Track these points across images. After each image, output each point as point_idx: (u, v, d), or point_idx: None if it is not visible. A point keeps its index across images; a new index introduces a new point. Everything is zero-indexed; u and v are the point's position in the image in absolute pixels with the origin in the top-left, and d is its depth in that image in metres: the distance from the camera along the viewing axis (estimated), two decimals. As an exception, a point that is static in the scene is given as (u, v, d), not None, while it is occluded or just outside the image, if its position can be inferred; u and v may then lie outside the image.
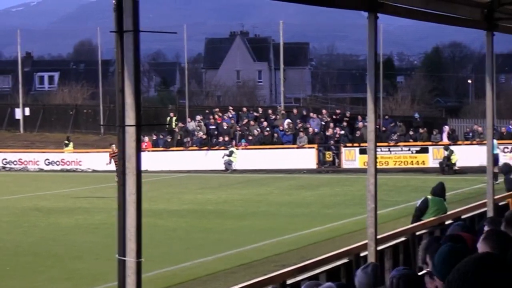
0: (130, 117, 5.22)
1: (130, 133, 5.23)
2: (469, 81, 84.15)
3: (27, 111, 56.28)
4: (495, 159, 30.31)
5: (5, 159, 45.44)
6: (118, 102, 5.31)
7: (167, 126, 45.35)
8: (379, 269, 6.21)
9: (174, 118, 47.24)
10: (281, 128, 42.76)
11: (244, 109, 47.44)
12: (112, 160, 29.26)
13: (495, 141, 33.06)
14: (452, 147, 37.20)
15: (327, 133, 41.65)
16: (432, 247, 5.05)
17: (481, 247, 4.58)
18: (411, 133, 40.90)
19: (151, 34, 6.01)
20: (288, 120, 43.46)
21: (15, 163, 45.13)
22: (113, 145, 30.72)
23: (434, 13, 10.84)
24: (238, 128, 43.61)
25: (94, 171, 42.73)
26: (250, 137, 42.61)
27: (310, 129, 42.04)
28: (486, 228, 5.76)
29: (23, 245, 18.74)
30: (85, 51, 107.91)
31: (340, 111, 47.02)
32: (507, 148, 38.56)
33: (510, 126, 40.92)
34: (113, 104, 45.15)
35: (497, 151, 31.13)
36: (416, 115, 45.64)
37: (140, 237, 5.27)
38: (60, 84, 76.64)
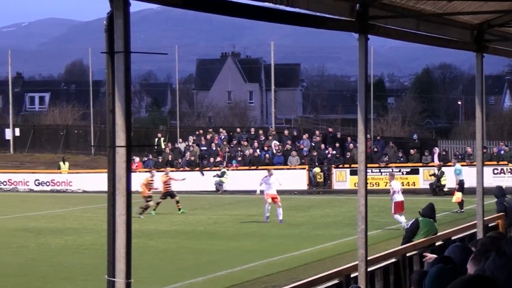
0: (120, 138, 5.22)
1: (121, 154, 5.23)
2: (459, 103, 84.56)
3: (17, 132, 56.14)
4: (461, 184, 30.58)
5: (-5, 179, 45.23)
6: (109, 122, 5.31)
7: (156, 147, 45.34)
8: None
9: (162, 139, 47.23)
10: (271, 148, 42.81)
11: (238, 129, 47.51)
12: (144, 187, 29.53)
13: (458, 165, 33.25)
14: (443, 168, 37.31)
15: (317, 153, 41.71)
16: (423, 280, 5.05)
17: (470, 267, 4.59)
18: (400, 154, 41.02)
19: (143, 55, 6.04)
20: (275, 142, 43.51)
21: (4, 183, 44.92)
22: (150, 174, 31.07)
23: (424, 35, 10.92)
24: (227, 150, 43.63)
25: (84, 191, 42.58)
26: (240, 158, 42.62)
27: (304, 148, 42.14)
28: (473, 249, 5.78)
29: (12, 266, 18.61)
30: (76, 71, 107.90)
31: (332, 130, 47.15)
32: (497, 169, 38.70)
33: (501, 148, 41.08)
34: (104, 124, 45.12)
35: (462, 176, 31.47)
36: (415, 136, 45.78)
37: (130, 257, 5.25)
38: (50, 105, 76.54)
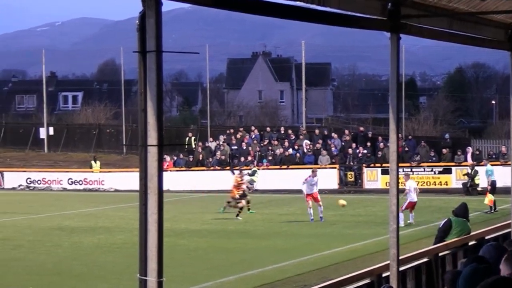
0: (152, 137, 5.24)
1: (152, 153, 5.25)
2: (493, 102, 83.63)
3: (51, 131, 56.71)
4: (493, 185, 30.22)
5: (29, 178, 45.81)
6: (141, 122, 5.34)
7: (187, 146, 45.50)
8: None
9: (193, 138, 47.39)
10: (302, 148, 42.73)
11: (268, 129, 47.53)
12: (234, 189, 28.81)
13: (489, 166, 32.90)
14: (476, 168, 36.93)
15: (348, 153, 41.57)
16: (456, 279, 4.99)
17: (503, 268, 4.54)
18: (432, 154, 40.70)
19: (174, 54, 6.06)
20: (306, 141, 43.44)
21: (39, 182, 45.46)
22: (239, 174, 29.93)
23: (458, 34, 10.81)
24: (258, 149, 43.63)
25: (116, 190, 42.91)
26: (270, 157, 42.60)
27: (333, 148, 42.02)
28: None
29: (47, 264, 18.80)
30: (108, 71, 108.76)
31: (363, 129, 46.94)
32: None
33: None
34: (136, 124, 45.44)
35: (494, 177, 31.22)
36: (447, 136, 45.39)
37: (162, 256, 5.27)
38: (83, 104, 77.25)
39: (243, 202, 28.72)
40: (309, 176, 27.47)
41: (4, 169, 48.15)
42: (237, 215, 27.92)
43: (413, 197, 25.61)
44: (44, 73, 60.53)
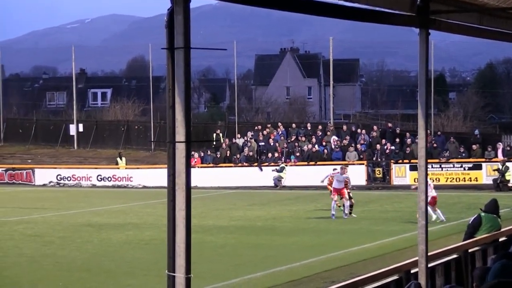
0: (180, 134, 5.26)
1: (180, 149, 5.27)
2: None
3: (81, 127, 57.19)
4: None
5: (59, 174, 46.27)
6: (169, 118, 5.36)
7: (215, 142, 45.61)
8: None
9: (220, 134, 47.50)
10: (329, 144, 42.62)
11: (294, 125, 47.46)
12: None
13: None
14: (507, 164, 36.60)
15: (376, 149, 41.40)
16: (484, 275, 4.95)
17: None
18: (461, 150, 40.38)
19: (202, 50, 6.07)
20: (334, 137, 43.33)
21: (69, 179, 45.91)
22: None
23: (488, 30, 10.70)
24: (285, 145, 43.62)
25: (144, 187, 43.17)
26: (298, 154, 42.57)
27: (359, 146, 41.86)
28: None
29: (77, 260, 18.97)
30: (137, 67, 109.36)
31: (391, 125, 46.67)
32: None
33: None
34: (164, 120, 45.68)
35: None
36: (476, 132, 45.03)
37: (190, 253, 5.29)
38: (112, 101, 77.74)
39: (352, 200, 26.98)
40: (337, 172, 27.37)
41: (35, 166, 48.69)
42: (350, 212, 26.67)
43: (431, 193, 24.84)
44: (74, 70, 61.03)
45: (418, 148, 9.55)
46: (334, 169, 29.57)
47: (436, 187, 35.80)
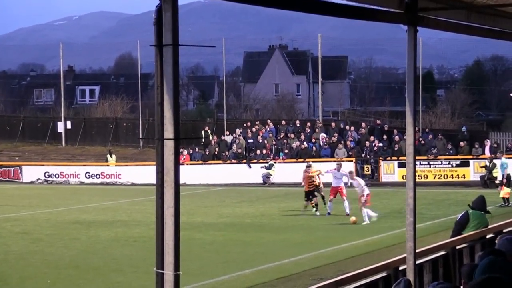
0: (168, 131, 5.25)
1: (169, 146, 5.26)
2: (511, 95, 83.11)
3: (69, 125, 57.01)
4: (508, 178, 29.88)
5: (47, 172, 46.11)
6: (157, 115, 5.35)
7: (203, 139, 45.58)
8: (411, 285, 6.15)
9: (209, 131, 47.46)
10: (318, 141, 42.69)
11: (283, 122, 47.49)
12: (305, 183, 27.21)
13: (504, 158, 32.60)
14: (494, 161, 36.76)
15: (365, 146, 41.49)
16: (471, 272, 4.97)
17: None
18: (449, 147, 40.52)
19: (190, 48, 6.06)
20: (322, 134, 43.39)
21: (56, 176, 45.75)
22: (310, 168, 27.58)
23: (476, 27, 10.73)
24: (274, 142, 43.65)
25: (133, 184, 43.10)
26: (286, 151, 42.60)
27: (348, 142, 41.91)
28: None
29: (65, 258, 18.93)
30: (125, 64, 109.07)
31: (379, 122, 46.75)
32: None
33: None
34: (152, 117, 45.59)
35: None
36: (464, 129, 45.17)
37: (178, 250, 5.29)
38: (100, 98, 77.52)
39: (316, 199, 27.06)
40: (334, 169, 27.44)
41: (22, 163, 48.50)
42: (316, 209, 26.78)
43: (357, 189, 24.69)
44: (62, 67, 60.81)
45: (406, 145, 9.58)
46: (338, 164, 28.97)
47: (424, 184, 36.03)
